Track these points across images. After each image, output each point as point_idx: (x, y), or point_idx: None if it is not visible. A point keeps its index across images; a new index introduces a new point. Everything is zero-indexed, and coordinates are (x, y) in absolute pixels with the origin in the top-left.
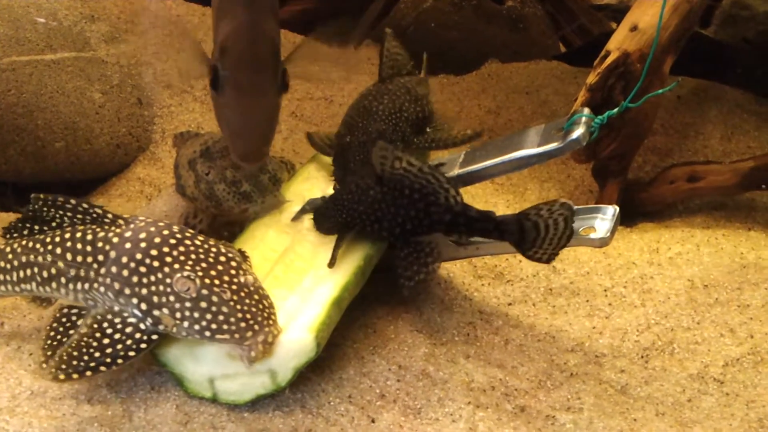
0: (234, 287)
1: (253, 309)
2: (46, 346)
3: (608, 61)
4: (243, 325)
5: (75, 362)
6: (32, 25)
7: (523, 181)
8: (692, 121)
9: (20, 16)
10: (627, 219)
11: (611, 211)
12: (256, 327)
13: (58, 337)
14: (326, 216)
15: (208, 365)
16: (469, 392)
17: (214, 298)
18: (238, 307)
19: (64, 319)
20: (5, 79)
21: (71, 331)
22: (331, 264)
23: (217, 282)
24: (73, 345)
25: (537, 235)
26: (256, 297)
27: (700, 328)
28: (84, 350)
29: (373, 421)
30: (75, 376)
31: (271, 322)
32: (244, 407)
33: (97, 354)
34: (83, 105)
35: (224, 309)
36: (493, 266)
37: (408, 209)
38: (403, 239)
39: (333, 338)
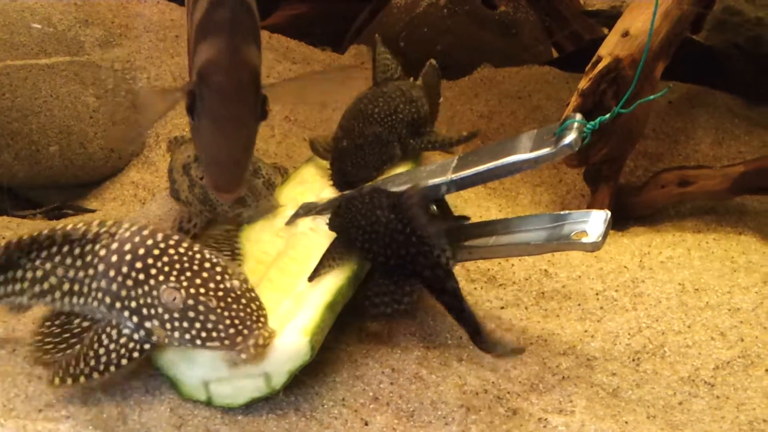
0: (220, 294)
1: (241, 314)
2: (38, 344)
3: (600, 66)
4: (232, 331)
5: (71, 369)
6: (26, 29)
7: (516, 185)
8: (683, 125)
9: (14, 21)
10: (618, 223)
11: (603, 215)
12: (246, 331)
13: (51, 336)
14: (338, 213)
15: (202, 368)
16: (462, 395)
17: (201, 308)
18: (226, 313)
19: (58, 321)
20: None
21: (66, 334)
22: (311, 278)
23: (202, 290)
24: (75, 353)
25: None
26: (243, 301)
27: (690, 332)
28: (80, 358)
29: (366, 424)
30: (69, 381)
31: (260, 324)
32: (238, 410)
33: (92, 362)
34: (77, 109)
35: (212, 317)
36: (485, 270)
37: (399, 247)
38: (383, 271)
39: (326, 342)
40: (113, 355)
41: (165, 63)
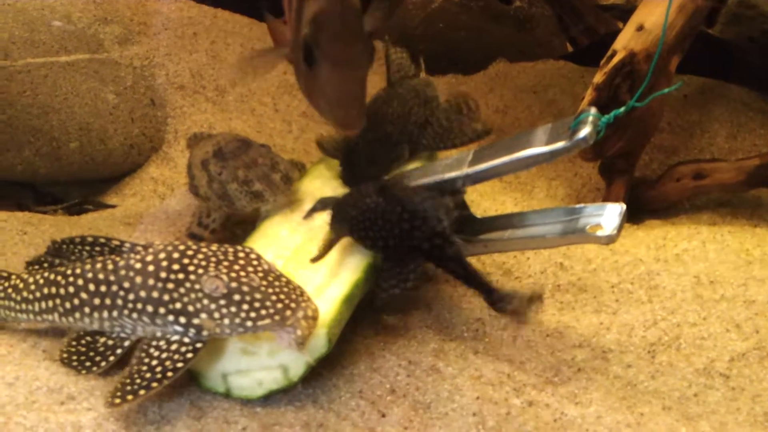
0: (260, 274)
1: (285, 289)
2: (65, 361)
3: (615, 60)
4: (280, 306)
5: (128, 387)
6: (47, 27)
7: (531, 179)
8: (698, 119)
9: (35, 19)
10: (634, 216)
11: (618, 208)
12: (293, 305)
13: (77, 355)
14: (333, 215)
15: (221, 361)
16: (478, 387)
17: (245, 288)
18: (270, 290)
19: (83, 341)
20: (20, 80)
21: (91, 353)
22: (314, 259)
23: (243, 273)
24: (126, 375)
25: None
26: (283, 279)
27: (706, 324)
28: (135, 375)
29: (383, 416)
30: (129, 397)
31: (305, 297)
32: (256, 402)
33: (148, 375)
34: (97, 106)
35: (257, 295)
36: (501, 263)
37: (393, 226)
38: (385, 254)
39: (344, 334)
40: (168, 363)
41: (183, 60)
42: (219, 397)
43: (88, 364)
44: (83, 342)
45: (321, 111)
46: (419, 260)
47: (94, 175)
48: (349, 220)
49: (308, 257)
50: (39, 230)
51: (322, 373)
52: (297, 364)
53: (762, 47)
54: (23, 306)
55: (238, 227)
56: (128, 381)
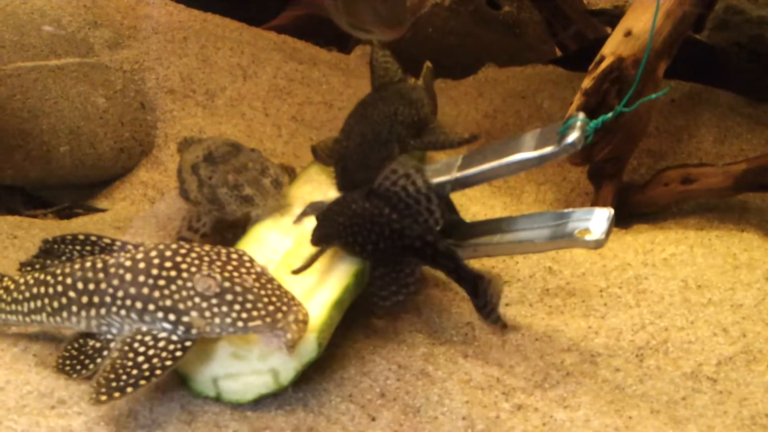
0: (253, 276)
1: (277, 292)
2: (60, 366)
3: (603, 65)
4: (271, 308)
5: (114, 383)
6: (37, 31)
7: (521, 183)
8: (686, 124)
9: (25, 23)
10: (622, 221)
11: (606, 213)
12: (285, 308)
13: (70, 359)
14: (317, 226)
15: (212, 365)
16: (468, 391)
17: (238, 288)
18: (262, 292)
19: (76, 344)
20: (10, 84)
21: (82, 356)
22: (297, 271)
23: (236, 274)
24: (108, 369)
25: (487, 301)
26: (275, 283)
27: (693, 328)
28: (121, 371)
29: (373, 420)
30: (116, 394)
31: (296, 302)
32: (247, 406)
33: (134, 372)
34: (87, 110)
35: (249, 297)
36: (490, 267)
37: (383, 228)
38: (375, 258)
39: (334, 339)
40: (155, 360)
41: (173, 64)
42: (209, 401)
43: (78, 367)
44: (75, 346)
45: (363, 22)
46: (411, 262)
47: (84, 179)
48: (336, 228)
49: (299, 262)
50: (29, 234)
51: (313, 377)
52: (287, 368)
53: (749, 52)
54: (13, 307)
55: (228, 231)
56: (113, 376)
